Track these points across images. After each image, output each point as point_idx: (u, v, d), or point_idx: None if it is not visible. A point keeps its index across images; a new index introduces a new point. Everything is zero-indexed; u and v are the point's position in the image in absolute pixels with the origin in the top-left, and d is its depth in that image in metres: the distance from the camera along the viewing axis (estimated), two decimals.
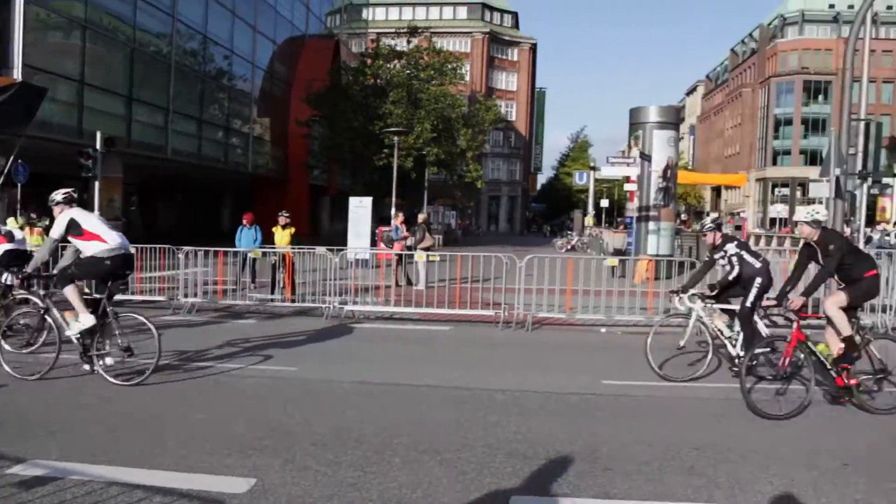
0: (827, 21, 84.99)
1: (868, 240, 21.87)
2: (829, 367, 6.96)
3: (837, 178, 13.36)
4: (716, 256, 8.49)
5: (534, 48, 79.71)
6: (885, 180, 29.68)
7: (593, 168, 53.71)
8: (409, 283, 16.49)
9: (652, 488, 4.85)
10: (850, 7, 71.90)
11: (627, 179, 21.16)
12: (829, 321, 7.08)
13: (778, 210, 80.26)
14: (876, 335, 7.56)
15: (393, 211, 20.90)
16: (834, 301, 7.02)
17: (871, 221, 30.09)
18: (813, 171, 16.65)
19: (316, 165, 42.54)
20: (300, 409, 6.66)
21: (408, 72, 38.93)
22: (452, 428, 6.09)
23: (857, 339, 6.96)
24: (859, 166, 17.27)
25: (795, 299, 7.05)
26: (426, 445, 5.59)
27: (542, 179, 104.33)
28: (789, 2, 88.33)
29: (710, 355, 8.15)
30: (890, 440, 6.00)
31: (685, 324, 8.36)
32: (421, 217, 18.87)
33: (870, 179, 18.51)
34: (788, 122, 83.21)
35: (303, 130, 40.18)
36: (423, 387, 7.64)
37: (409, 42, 40.05)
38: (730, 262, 8.22)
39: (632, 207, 20.73)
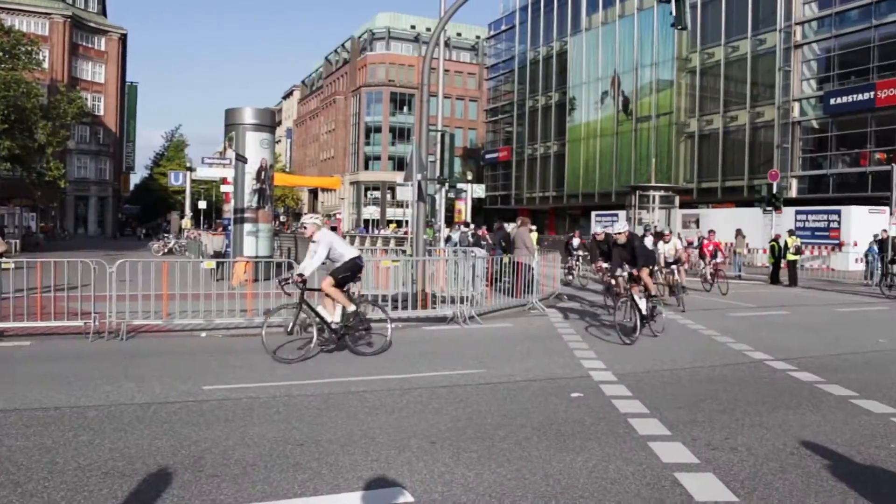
0: (409, 40, 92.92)
1: (447, 239, 24.18)
2: None
3: (419, 183, 14.57)
4: None
5: (124, 39, 74.85)
6: (460, 185, 33.18)
7: (190, 168, 52.29)
8: None
9: (260, 489, 4.87)
10: (428, 29, 79.26)
11: (224, 181, 20.97)
12: None
13: (371, 212, 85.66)
14: None
15: None
16: None
17: (450, 222, 33.32)
18: (400, 176, 18.03)
19: None
20: None
21: None
22: (37, 454, 5.48)
23: None
24: (438, 172, 19.12)
25: None
26: (3, 479, 4.96)
27: (135, 179, 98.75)
28: (377, 18, 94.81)
29: None
30: (466, 417, 6.72)
31: None
32: None
33: (447, 184, 20.61)
34: (378, 129, 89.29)
35: None
36: None
37: None
38: None
39: (229, 209, 20.59)
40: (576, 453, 5.67)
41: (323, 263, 9.98)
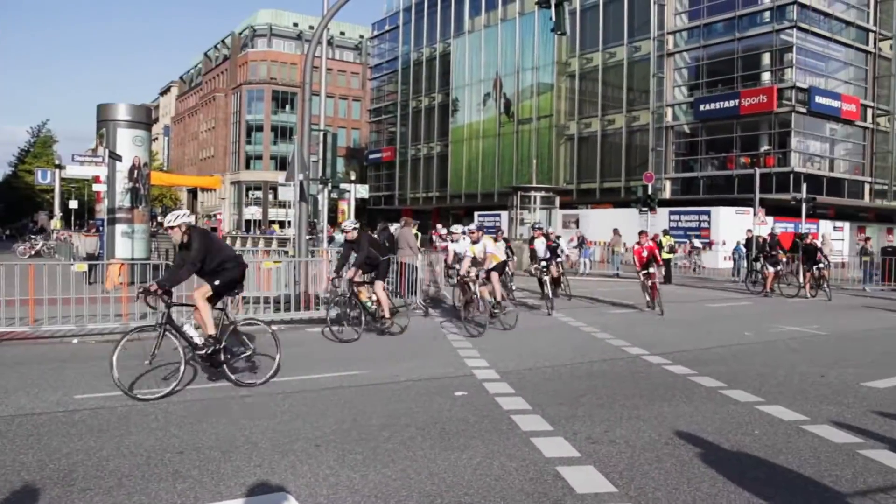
0: (292, 37, 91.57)
1: (331, 240, 23.96)
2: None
3: (301, 183, 14.37)
4: None
5: None
6: (343, 186, 32.90)
7: (59, 166, 49.82)
8: None
9: (137, 500, 4.67)
10: (311, 27, 78.29)
11: (96, 179, 20.12)
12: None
13: (252, 212, 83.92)
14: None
15: None
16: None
17: (333, 223, 32.98)
18: (282, 176, 17.75)
19: None
20: None
21: None
22: None
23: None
24: (320, 172, 18.91)
25: None
26: None
27: None
28: (258, 15, 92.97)
29: None
30: (351, 419, 6.66)
31: None
32: None
33: (329, 184, 20.41)
34: (259, 128, 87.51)
35: None
36: None
37: None
38: None
39: (102, 209, 19.79)
40: (460, 451, 5.71)
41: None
